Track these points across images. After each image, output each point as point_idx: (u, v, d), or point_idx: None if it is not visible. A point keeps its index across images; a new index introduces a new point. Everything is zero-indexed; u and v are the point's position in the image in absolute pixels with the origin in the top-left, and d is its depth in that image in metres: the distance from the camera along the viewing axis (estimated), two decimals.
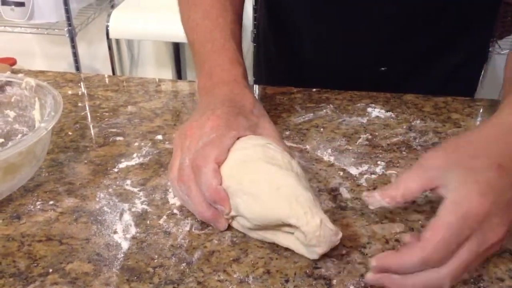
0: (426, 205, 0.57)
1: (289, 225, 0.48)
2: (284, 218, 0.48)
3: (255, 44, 1.02)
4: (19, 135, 0.66)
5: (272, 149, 0.53)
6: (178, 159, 0.55)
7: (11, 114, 0.67)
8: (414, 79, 0.87)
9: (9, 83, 0.66)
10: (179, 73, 2.47)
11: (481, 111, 0.79)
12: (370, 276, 0.45)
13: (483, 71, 2.01)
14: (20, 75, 0.66)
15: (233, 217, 0.52)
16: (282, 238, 0.50)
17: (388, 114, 0.76)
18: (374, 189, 0.60)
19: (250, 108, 0.59)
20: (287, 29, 0.90)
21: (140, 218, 0.55)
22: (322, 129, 0.72)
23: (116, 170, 0.63)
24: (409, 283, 0.44)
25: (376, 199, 0.48)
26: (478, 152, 0.46)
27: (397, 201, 0.47)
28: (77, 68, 2.25)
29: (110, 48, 2.25)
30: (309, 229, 0.47)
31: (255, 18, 1.01)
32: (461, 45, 0.85)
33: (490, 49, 2.12)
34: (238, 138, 0.55)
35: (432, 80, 0.88)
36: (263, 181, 0.49)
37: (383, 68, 0.85)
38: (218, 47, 0.66)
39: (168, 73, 2.52)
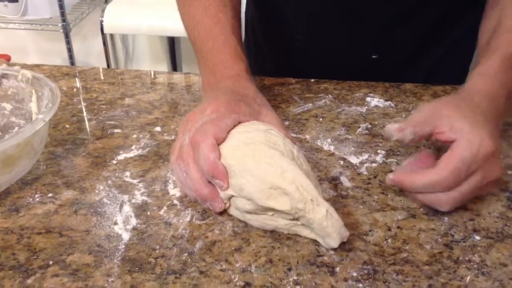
0: None
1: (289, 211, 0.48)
2: (292, 201, 0.48)
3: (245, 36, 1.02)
4: (16, 128, 0.66)
5: (274, 135, 0.53)
6: (179, 141, 0.55)
7: (8, 107, 0.66)
8: (406, 66, 0.87)
9: (5, 76, 0.65)
10: (175, 68, 2.46)
11: None
12: (389, 180, 0.54)
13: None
14: (16, 67, 0.65)
15: (229, 199, 0.52)
16: (283, 224, 0.50)
17: (387, 103, 0.76)
18: (375, 177, 0.59)
19: (252, 97, 0.59)
20: (276, 19, 0.90)
21: (140, 209, 0.55)
22: (321, 119, 0.72)
23: (114, 162, 0.63)
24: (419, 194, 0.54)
25: (392, 129, 0.55)
26: (474, 108, 0.55)
27: (409, 139, 0.55)
28: (72, 63, 2.24)
29: (104, 43, 2.23)
30: (315, 217, 0.47)
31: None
32: (451, 31, 0.85)
33: None
34: (239, 123, 0.54)
35: (424, 67, 0.88)
36: (266, 164, 0.49)
37: (374, 56, 0.85)
38: (219, 44, 0.66)
39: (163, 68, 2.51)
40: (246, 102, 0.57)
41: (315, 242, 0.50)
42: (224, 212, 0.54)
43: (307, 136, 0.68)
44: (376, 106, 0.75)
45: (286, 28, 0.88)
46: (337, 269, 0.47)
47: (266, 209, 0.50)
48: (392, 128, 0.55)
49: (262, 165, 0.49)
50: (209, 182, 0.52)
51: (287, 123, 0.71)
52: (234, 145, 0.52)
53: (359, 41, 0.84)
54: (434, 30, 0.84)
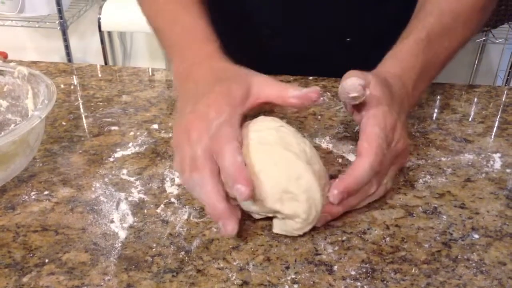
0: (426, 191, 0.57)
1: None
2: (297, 209, 0.48)
3: None
4: (12, 125, 0.65)
5: (286, 133, 0.52)
6: (187, 153, 0.50)
7: (4, 104, 0.65)
8: (381, 49, 0.84)
9: (1, 72, 0.64)
10: None
11: (477, 97, 0.78)
12: (335, 195, 0.49)
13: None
14: (12, 63, 0.64)
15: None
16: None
17: None
18: None
19: (234, 73, 0.56)
20: (237, 12, 0.85)
21: (137, 207, 0.54)
22: (319, 117, 0.72)
23: (111, 159, 0.62)
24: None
25: (356, 84, 0.53)
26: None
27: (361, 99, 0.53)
28: (69, 61, 2.23)
29: (102, 41, 2.22)
30: (306, 223, 0.49)
31: None
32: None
33: (484, 38, 2.12)
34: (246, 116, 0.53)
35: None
36: (283, 167, 0.48)
37: (348, 39, 0.84)
38: (188, 28, 0.63)
39: (161, 66, 2.50)
40: (234, 82, 0.53)
41: (313, 240, 0.50)
42: None
43: (306, 134, 0.67)
44: None
45: (254, 19, 0.85)
46: (335, 267, 0.47)
47: (269, 211, 0.49)
48: (357, 83, 0.53)
49: (279, 168, 0.48)
50: (226, 199, 0.48)
51: (285, 121, 0.70)
52: (249, 145, 0.50)
53: (332, 25, 0.82)
54: (403, 13, 0.80)
